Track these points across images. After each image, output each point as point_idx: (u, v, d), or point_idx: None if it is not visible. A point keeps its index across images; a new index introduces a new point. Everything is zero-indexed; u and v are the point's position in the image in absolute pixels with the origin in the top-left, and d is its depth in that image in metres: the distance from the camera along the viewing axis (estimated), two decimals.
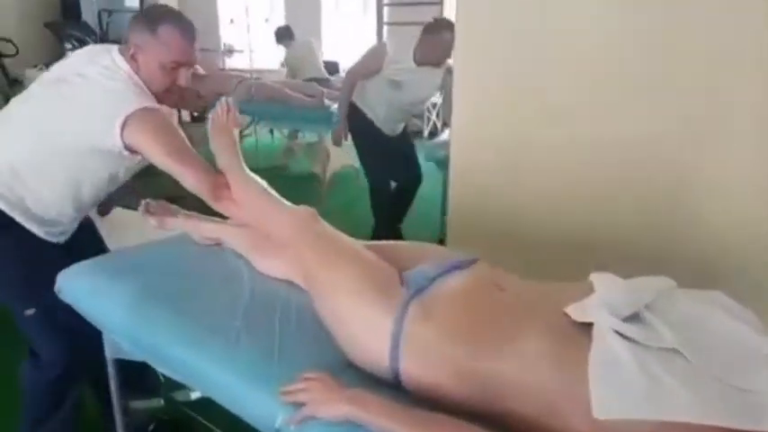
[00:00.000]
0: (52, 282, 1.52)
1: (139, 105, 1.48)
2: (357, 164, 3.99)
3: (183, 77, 1.61)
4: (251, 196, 1.53)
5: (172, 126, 1.56)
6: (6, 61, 5.70)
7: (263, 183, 1.56)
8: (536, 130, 1.75)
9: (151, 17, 1.57)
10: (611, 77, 1.60)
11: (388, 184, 3.46)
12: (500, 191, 1.85)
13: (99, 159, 1.55)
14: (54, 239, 1.63)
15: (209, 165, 1.56)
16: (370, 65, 3.16)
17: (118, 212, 2.37)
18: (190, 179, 1.50)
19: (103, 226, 1.94)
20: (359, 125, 3.30)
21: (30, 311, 1.57)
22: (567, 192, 1.73)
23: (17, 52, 5.71)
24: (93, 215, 1.90)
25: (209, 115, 1.67)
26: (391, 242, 1.47)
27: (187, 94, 1.81)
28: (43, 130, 1.52)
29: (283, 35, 5.93)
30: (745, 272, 1.53)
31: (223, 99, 1.68)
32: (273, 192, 1.53)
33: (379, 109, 3.25)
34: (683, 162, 1.57)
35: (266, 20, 7.69)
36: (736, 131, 1.49)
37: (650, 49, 1.54)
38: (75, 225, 1.72)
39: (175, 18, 1.58)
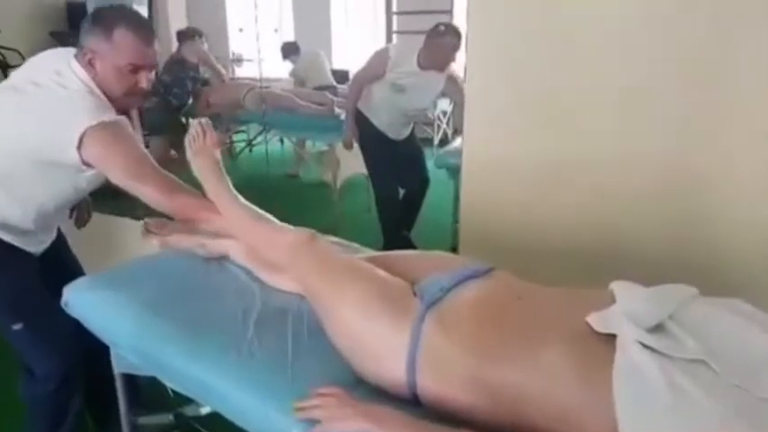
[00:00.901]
0: (37, 294, 1.50)
1: (96, 120, 1.42)
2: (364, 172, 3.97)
3: (145, 80, 1.53)
4: (244, 222, 1.47)
5: (130, 140, 1.49)
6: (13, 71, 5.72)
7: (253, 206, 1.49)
8: (547, 137, 1.72)
9: (105, 20, 1.48)
10: (624, 82, 1.57)
11: (395, 192, 3.44)
12: (512, 198, 1.82)
13: (61, 172, 1.50)
14: (32, 249, 1.60)
15: (174, 179, 1.51)
16: (374, 69, 3.16)
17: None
18: (150, 197, 1.47)
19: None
20: (365, 132, 3.31)
21: (17, 326, 1.53)
22: (578, 198, 1.70)
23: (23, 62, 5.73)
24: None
25: (185, 140, 1.59)
26: (402, 252, 1.44)
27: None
28: (1, 140, 1.48)
29: (290, 50, 5.98)
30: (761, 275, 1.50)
31: (195, 121, 1.60)
32: (267, 214, 1.47)
33: (384, 114, 3.25)
34: (698, 164, 1.53)
35: (276, 30, 7.71)
36: (754, 131, 1.45)
37: (665, 51, 1.51)
38: (52, 234, 1.70)
39: (130, 19, 1.50)
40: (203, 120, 1.61)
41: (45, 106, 1.46)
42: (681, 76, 1.50)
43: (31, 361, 1.60)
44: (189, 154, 1.58)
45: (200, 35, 4.79)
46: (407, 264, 1.28)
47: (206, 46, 4.82)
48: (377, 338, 1.09)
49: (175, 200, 1.49)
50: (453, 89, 3.17)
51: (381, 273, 1.21)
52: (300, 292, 1.38)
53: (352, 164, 4.20)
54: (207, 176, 1.54)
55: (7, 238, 1.53)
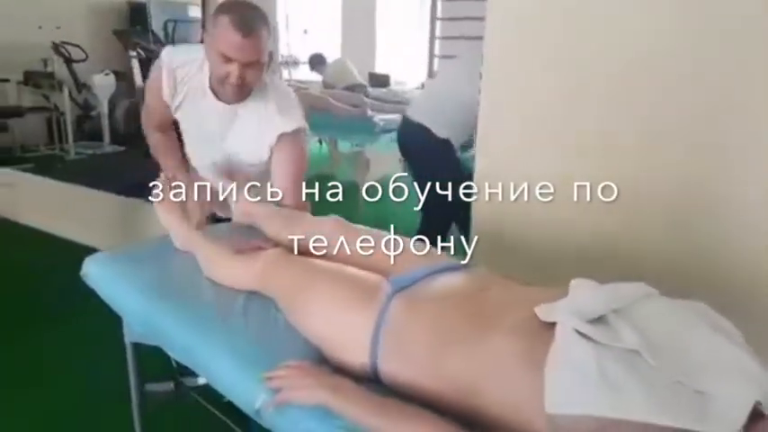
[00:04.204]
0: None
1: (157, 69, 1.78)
2: (395, 174, 4.00)
3: (234, 75, 1.56)
4: (213, 255, 1.53)
5: (150, 91, 1.85)
6: (76, 66, 6.03)
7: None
8: (561, 150, 1.75)
9: (221, 5, 1.57)
10: (643, 98, 1.59)
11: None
12: (523, 205, 1.81)
13: None
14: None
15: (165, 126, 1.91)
16: None
17: None
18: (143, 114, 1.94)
19: None
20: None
21: None
22: (592, 205, 1.67)
23: (86, 58, 6.02)
24: None
25: (154, 192, 1.68)
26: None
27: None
28: None
29: (316, 62, 6.15)
30: None
31: (162, 177, 1.71)
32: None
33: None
34: (713, 181, 1.53)
35: (304, 31, 7.91)
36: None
37: (682, 70, 1.52)
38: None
39: (236, 10, 1.53)
40: (168, 174, 1.76)
41: None
42: (700, 94, 1.50)
43: None
44: (157, 205, 1.69)
45: None
46: (383, 258, 1.35)
47: None
48: (344, 320, 1.15)
49: (149, 134, 1.94)
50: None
51: (351, 269, 1.29)
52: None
53: (382, 166, 4.28)
54: (173, 223, 1.66)
55: None
